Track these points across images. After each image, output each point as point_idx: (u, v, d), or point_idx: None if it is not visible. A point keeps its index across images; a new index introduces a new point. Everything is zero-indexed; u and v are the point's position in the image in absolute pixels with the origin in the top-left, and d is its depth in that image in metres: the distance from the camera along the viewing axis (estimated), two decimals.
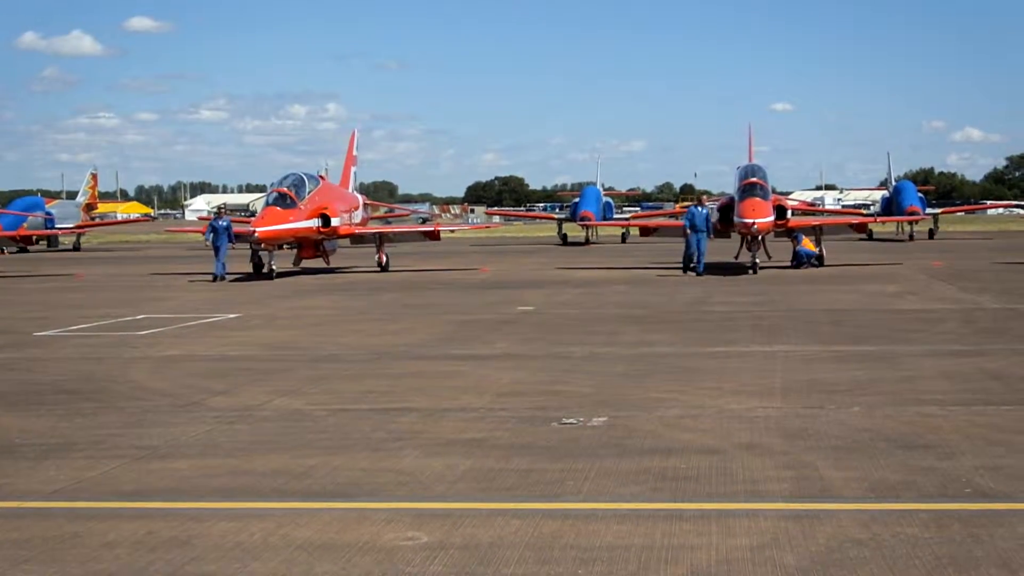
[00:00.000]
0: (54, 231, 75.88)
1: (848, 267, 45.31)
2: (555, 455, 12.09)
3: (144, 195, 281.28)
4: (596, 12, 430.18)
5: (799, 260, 45.09)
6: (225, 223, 44.76)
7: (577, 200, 79.87)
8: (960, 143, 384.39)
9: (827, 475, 11.01)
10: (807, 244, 45.85)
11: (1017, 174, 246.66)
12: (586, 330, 24.20)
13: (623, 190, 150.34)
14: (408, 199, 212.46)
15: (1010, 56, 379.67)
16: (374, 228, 53.24)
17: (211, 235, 44.12)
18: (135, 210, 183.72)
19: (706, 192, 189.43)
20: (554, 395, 15.95)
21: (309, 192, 46.25)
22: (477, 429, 13.60)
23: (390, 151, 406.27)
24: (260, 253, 44.37)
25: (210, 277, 42.83)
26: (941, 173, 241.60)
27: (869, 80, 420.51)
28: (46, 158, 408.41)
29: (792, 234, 46.58)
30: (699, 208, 43.64)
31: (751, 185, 45.16)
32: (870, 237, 72.32)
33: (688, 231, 42.72)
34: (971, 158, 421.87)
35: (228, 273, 43.09)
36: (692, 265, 42.15)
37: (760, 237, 44.00)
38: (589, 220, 73.49)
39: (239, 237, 46.12)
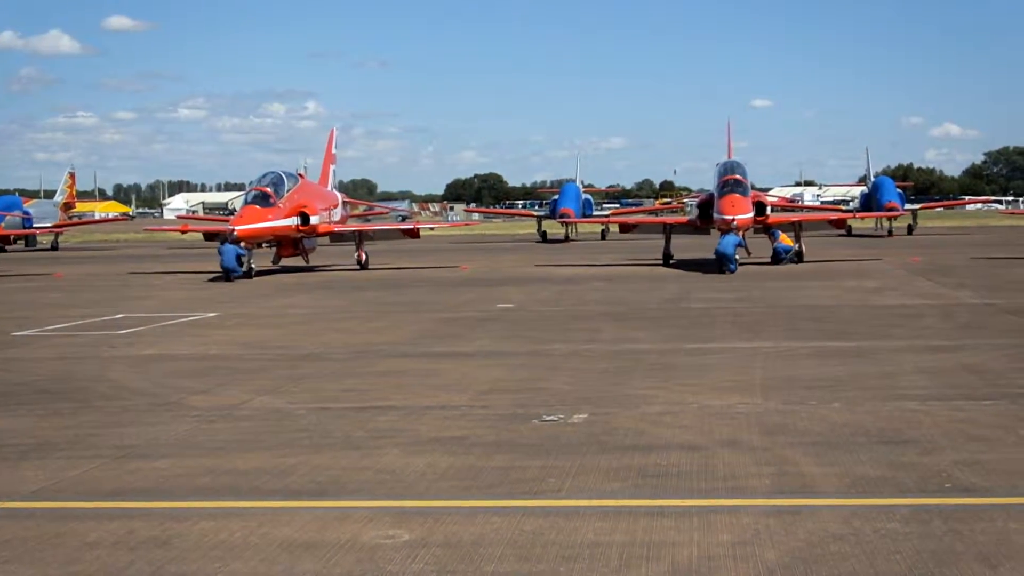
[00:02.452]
0: (32, 230, 75.68)
1: (827, 263, 45.41)
2: (536, 452, 12.09)
3: (122, 194, 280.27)
4: (575, 9, 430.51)
5: (778, 256, 45.16)
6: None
7: (557, 197, 79.94)
8: (938, 139, 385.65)
9: (808, 471, 11.03)
10: (784, 239, 45.93)
11: (995, 169, 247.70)
12: (566, 327, 24.21)
13: (603, 187, 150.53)
14: (388, 197, 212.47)
15: (988, 51, 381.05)
16: (353, 226, 53.23)
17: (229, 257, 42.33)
18: (113, 209, 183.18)
19: (685, 189, 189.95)
20: (535, 392, 15.95)
21: (288, 190, 46.18)
22: (458, 427, 13.59)
23: (369, 149, 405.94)
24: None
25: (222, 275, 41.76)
26: (920, 169, 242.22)
27: (848, 76, 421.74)
28: (24, 157, 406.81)
29: (769, 231, 46.66)
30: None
31: (730, 181, 45.28)
32: (849, 233, 72.47)
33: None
34: (949, 154, 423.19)
35: (209, 272, 42.85)
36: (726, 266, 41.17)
37: (740, 234, 44.07)
38: (569, 217, 73.52)
39: (216, 236, 46.00)
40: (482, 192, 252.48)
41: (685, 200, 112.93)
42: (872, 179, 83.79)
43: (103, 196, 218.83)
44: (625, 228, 55.00)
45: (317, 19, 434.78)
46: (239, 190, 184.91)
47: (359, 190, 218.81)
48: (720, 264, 40.87)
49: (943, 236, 73.22)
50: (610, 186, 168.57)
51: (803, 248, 46.28)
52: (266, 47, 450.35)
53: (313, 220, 46.87)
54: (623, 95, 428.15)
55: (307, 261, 49.04)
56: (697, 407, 14.55)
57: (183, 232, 61.98)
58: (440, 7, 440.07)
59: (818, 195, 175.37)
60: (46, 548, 9.09)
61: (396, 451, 12.33)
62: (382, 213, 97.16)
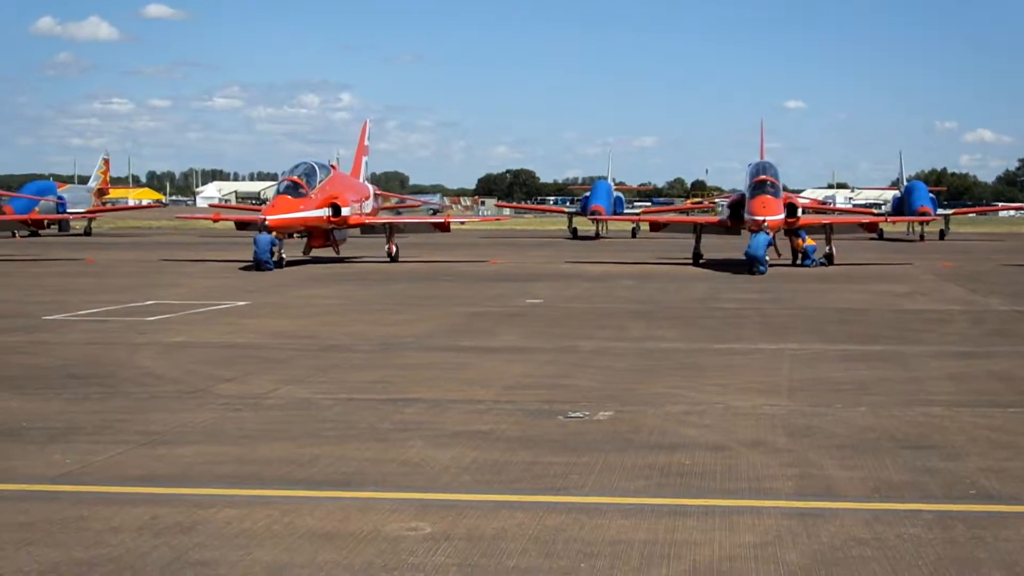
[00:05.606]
0: (65, 215, 75.96)
1: (858, 266, 45.26)
2: (560, 448, 12.11)
3: (156, 181, 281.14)
4: (610, 7, 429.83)
5: (807, 258, 45.00)
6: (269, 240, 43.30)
7: (588, 194, 79.91)
8: (972, 144, 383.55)
9: (832, 474, 11.02)
10: (809, 241, 45.64)
11: None
12: (594, 324, 24.21)
13: (634, 185, 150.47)
14: (419, 190, 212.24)
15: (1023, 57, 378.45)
16: (384, 219, 53.37)
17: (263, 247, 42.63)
18: (147, 196, 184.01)
19: (717, 188, 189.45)
20: (561, 389, 15.96)
21: (320, 181, 46.30)
22: (483, 421, 13.62)
23: (402, 142, 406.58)
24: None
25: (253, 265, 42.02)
26: (953, 174, 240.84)
27: (882, 79, 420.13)
28: (59, 143, 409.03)
29: (796, 232, 46.40)
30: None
31: (762, 182, 45.18)
32: (880, 237, 72.25)
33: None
34: (983, 159, 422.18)
35: (236, 260, 42.99)
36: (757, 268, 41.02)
37: (771, 234, 43.95)
38: (599, 214, 73.42)
39: (248, 225, 46.15)
40: (513, 187, 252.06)
41: (716, 200, 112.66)
42: (905, 183, 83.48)
43: (137, 183, 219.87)
44: (655, 227, 54.87)
45: (353, 11, 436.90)
46: (272, 180, 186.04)
47: (391, 183, 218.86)
48: (750, 265, 40.80)
49: (975, 242, 72.89)
50: (641, 184, 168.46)
51: (834, 251, 46.13)
52: (301, 38, 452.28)
53: (344, 212, 46.96)
54: (656, 94, 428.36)
55: (337, 252, 49.12)
56: (723, 407, 14.54)
57: (215, 220, 62.08)
58: (474, 2, 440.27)
59: (850, 198, 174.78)
60: (70, 531, 9.15)
61: (421, 443, 12.36)
62: (413, 206, 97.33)
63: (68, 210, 77.00)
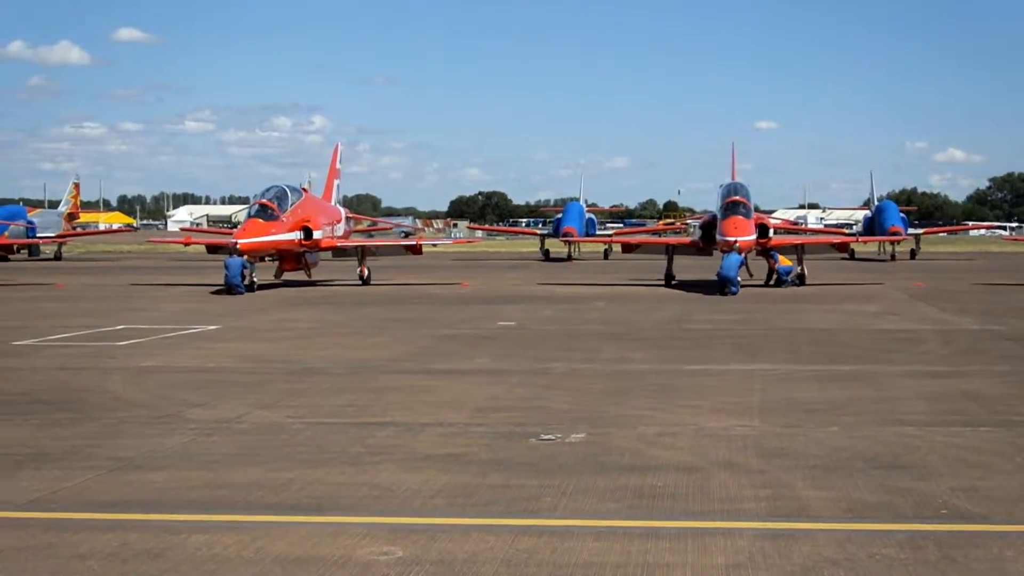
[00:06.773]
0: (35, 240, 75.70)
1: (829, 286, 45.39)
2: (532, 471, 12.08)
3: (127, 205, 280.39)
4: (581, 28, 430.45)
5: (780, 278, 45.11)
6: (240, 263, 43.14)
7: (560, 216, 79.98)
8: (943, 163, 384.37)
9: (804, 495, 11.02)
10: (783, 261, 45.81)
11: (999, 195, 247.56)
12: (566, 346, 24.19)
13: (606, 206, 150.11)
14: (391, 213, 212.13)
15: (994, 76, 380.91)
16: (356, 241, 53.26)
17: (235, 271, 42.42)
18: (117, 220, 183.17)
19: (689, 209, 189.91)
20: (533, 411, 15.94)
21: (292, 205, 46.20)
22: (455, 444, 13.58)
23: (374, 164, 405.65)
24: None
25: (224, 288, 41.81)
26: (924, 193, 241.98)
27: (853, 100, 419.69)
28: (29, 167, 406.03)
29: (768, 253, 46.52)
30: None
31: (734, 203, 45.28)
32: (852, 257, 72.56)
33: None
34: (953, 179, 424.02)
35: (210, 285, 42.80)
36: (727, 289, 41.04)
37: (743, 255, 44.04)
38: (572, 236, 73.45)
39: (219, 249, 46.04)
40: (486, 210, 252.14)
41: (688, 221, 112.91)
42: (876, 203, 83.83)
43: (108, 207, 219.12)
44: (628, 248, 54.86)
45: (325, 34, 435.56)
46: (243, 203, 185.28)
47: (363, 205, 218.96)
48: (722, 286, 40.86)
49: (946, 261, 73.22)
50: (614, 206, 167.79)
51: (805, 271, 46.26)
52: (274, 61, 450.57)
53: (316, 235, 46.88)
54: (628, 115, 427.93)
55: (309, 276, 49.05)
56: (695, 428, 14.54)
57: (186, 244, 61.97)
58: (447, 25, 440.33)
59: (822, 218, 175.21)
60: (39, 558, 9.08)
61: (393, 467, 12.32)
62: (385, 229, 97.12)
63: (38, 234, 76.73)
